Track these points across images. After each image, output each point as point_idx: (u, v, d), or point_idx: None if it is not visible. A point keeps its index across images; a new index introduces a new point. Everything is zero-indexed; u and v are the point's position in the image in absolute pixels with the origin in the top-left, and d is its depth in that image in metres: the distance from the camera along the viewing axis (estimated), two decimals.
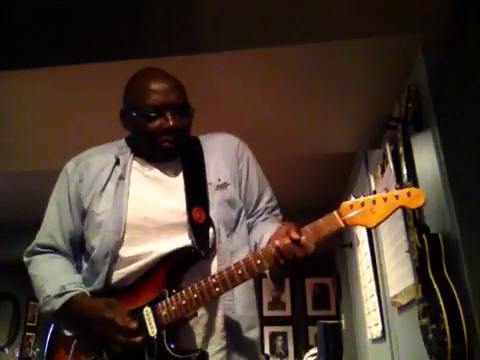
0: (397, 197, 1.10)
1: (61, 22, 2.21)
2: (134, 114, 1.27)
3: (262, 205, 1.37)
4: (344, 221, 1.10)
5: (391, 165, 2.44)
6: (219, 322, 1.20)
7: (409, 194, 1.09)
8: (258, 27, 2.05)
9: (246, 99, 2.44)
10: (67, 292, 1.17)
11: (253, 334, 1.24)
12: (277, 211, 1.40)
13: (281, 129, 2.76)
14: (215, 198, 1.27)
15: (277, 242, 1.09)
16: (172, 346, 1.10)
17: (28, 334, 6.20)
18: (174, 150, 1.29)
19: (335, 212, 1.11)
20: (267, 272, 1.20)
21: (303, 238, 1.07)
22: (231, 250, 1.24)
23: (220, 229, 1.24)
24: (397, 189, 1.11)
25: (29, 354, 6.10)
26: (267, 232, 1.21)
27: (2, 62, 2.15)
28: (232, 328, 1.20)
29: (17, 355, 5.88)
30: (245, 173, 1.36)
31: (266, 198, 1.38)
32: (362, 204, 1.10)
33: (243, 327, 1.22)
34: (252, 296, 1.28)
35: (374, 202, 1.10)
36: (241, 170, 1.36)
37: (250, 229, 1.34)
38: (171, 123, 1.23)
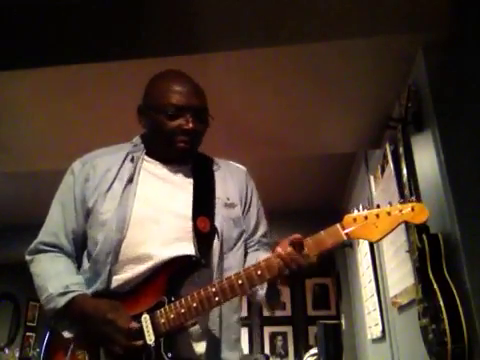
0: (401, 212, 1.10)
1: (61, 22, 2.20)
2: (154, 111, 1.28)
3: (256, 237, 1.37)
4: (347, 234, 1.10)
5: (391, 165, 2.44)
6: (209, 334, 1.20)
7: (413, 209, 1.09)
8: (258, 27, 2.05)
9: (246, 99, 2.44)
10: (71, 291, 1.17)
11: (233, 353, 1.23)
12: (268, 247, 1.39)
13: (281, 129, 2.76)
14: (221, 213, 1.28)
15: (279, 249, 1.09)
16: (170, 355, 1.10)
17: (28, 334, 6.20)
18: (188, 152, 1.30)
19: (338, 225, 1.11)
20: (262, 294, 1.22)
21: (306, 249, 1.08)
22: (224, 268, 1.24)
23: (222, 243, 1.25)
24: (401, 203, 1.11)
25: (29, 354, 6.10)
26: (262, 257, 1.20)
27: (2, 62, 2.15)
28: (213, 344, 1.20)
29: (17, 355, 5.88)
30: (248, 201, 1.38)
31: (261, 231, 1.39)
32: (365, 218, 1.10)
33: (222, 346, 1.21)
34: (237, 316, 1.28)
35: (377, 216, 1.10)
36: (246, 198, 1.37)
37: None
38: (191, 125, 1.25)
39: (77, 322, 1.17)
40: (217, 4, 2.10)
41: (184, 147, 1.27)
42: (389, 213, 1.09)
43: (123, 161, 1.30)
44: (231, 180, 1.37)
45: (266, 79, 2.28)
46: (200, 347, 1.18)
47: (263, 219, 1.42)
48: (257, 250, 1.36)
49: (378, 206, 1.12)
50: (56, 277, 1.22)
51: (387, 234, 1.10)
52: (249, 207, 1.37)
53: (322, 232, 1.10)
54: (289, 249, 1.08)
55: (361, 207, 1.13)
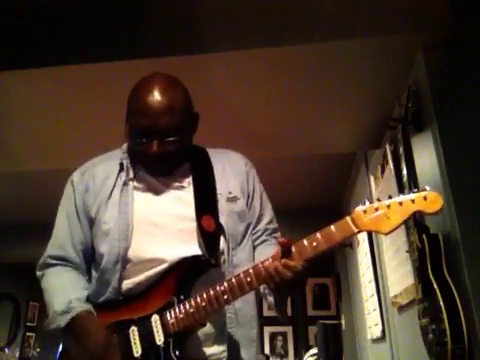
0: (413, 201, 1.05)
1: (61, 22, 2.20)
2: (129, 129, 1.25)
3: (262, 226, 1.35)
4: (357, 227, 1.06)
5: (391, 165, 2.44)
6: (223, 333, 1.19)
7: (425, 198, 1.05)
8: (258, 27, 2.04)
9: (246, 99, 2.44)
10: (72, 308, 1.17)
11: (251, 350, 1.23)
12: (277, 234, 1.37)
13: (281, 129, 2.76)
14: (225, 208, 1.26)
15: (266, 263, 1.09)
16: (177, 353, 1.10)
17: (28, 334, 6.21)
18: (164, 170, 1.28)
19: (348, 218, 1.08)
20: (271, 301, 1.21)
21: (291, 262, 1.06)
22: (234, 264, 1.23)
23: (229, 239, 1.24)
24: (413, 193, 1.07)
25: (29, 354, 6.10)
26: (269, 253, 1.19)
27: (2, 62, 2.15)
28: (233, 341, 1.20)
29: (17, 355, 5.88)
30: (251, 191, 1.35)
31: (266, 219, 1.36)
32: (376, 209, 1.06)
33: (242, 342, 1.21)
34: (253, 312, 1.27)
35: (389, 207, 1.06)
36: (248, 187, 1.35)
37: None
38: (154, 149, 1.19)
39: (75, 340, 1.17)
40: (217, 4, 2.09)
41: (157, 169, 1.26)
42: (401, 203, 1.05)
43: (119, 170, 1.30)
44: (231, 172, 1.34)
45: (266, 79, 2.28)
46: (214, 347, 1.18)
47: (267, 205, 1.39)
48: (264, 241, 1.33)
49: (390, 197, 1.08)
50: (60, 292, 1.21)
51: (399, 225, 1.06)
52: (253, 197, 1.35)
53: (332, 226, 1.08)
54: (275, 263, 1.07)
55: (368, 202, 1.10)
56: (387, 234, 1.08)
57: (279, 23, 2.03)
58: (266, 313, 5.99)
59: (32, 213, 4.07)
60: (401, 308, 2.52)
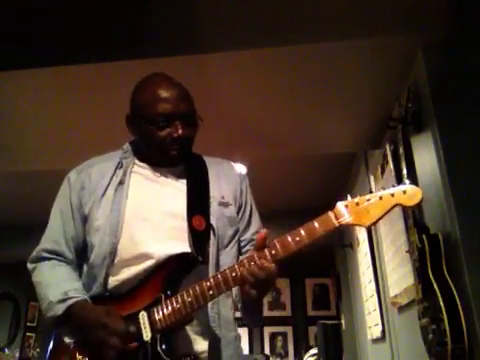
0: (392, 195, 1.09)
1: (61, 22, 2.20)
2: (142, 121, 1.28)
3: (248, 235, 1.37)
4: (339, 221, 1.10)
5: (391, 165, 2.44)
6: (207, 331, 1.21)
7: (405, 192, 1.09)
8: (258, 27, 2.05)
9: (246, 99, 2.44)
10: (69, 298, 1.17)
11: (229, 351, 1.23)
12: None
13: (281, 129, 2.76)
14: (216, 211, 1.29)
15: (242, 267, 1.10)
16: (164, 346, 1.11)
17: (28, 334, 6.20)
18: (181, 158, 1.32)
19: (330, 212, 1.11)
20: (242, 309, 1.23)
21: (263, 263, 1.09)
22: (219, 266, 1.24)
23: (217, 241, 1.26)
24: (393, 187, 1.10)
25: (29, 354, 6.10)
26: None
27: (2, 62, 2.15)
28: (215, 340, 1.21)
29: (17, 355, 5.88)
30: (244, 202, 1.38)
31: (253, 229, 1.38)
32: (357, 204, 1.10)
33: (222, 342, 1.22)
34: (230, 316, 1.28)
35: (369, 201, 1.10)
36: (241, 198, 1.38)
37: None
38: (180, 132, 1.25)
39: (75, 328, 1.17)
40: (217, 4, 2.10)
41: (176, 155, 1.29)
42: (381, 197, 1.09)
43: (115, 168, 1.32)
44: (225, 179, 1.38)
45: (266, 79, 2.28)
46: (200, 344, 1.20)
47: (255, 216, 1.41)
48: (248, 251, 1.34)
49: (371, 192, 1.12)
50: (56, 285, 1.22)
51: (379, 219, 1.09)
52: (244, 208, 1.38)
53: (314, 221, 1.11)
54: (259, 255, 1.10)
55: (349, 197, 1.13)
56: (368, 227, 1.11)
57: (279, 23, 2.03)
58: (266, 313, 6.01)
59: (32, 213, 4.07)
60: (401, 308, 2.52)
